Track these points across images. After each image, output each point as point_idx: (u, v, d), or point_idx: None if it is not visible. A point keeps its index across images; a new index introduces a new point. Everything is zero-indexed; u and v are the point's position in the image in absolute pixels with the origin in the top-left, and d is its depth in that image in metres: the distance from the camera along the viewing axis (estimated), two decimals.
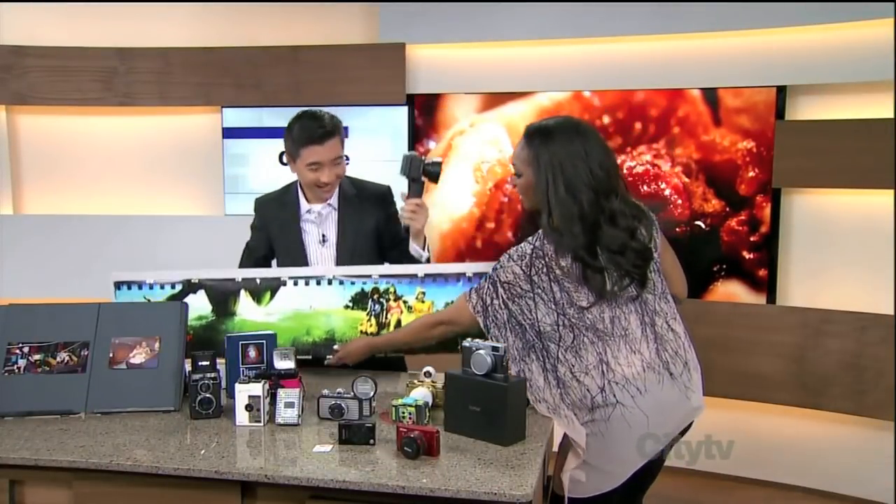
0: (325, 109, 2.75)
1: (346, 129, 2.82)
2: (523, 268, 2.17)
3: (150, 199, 4.63)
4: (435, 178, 2.61)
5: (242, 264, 2.93)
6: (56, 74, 4.43)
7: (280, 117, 4.46)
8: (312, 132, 2.64)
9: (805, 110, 3.81)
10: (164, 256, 4.50)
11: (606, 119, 4.07)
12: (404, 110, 4.32)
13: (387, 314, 2.58)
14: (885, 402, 3.61)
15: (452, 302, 2.49)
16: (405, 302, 2.59)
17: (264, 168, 4.51)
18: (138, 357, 2.42)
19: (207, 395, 2.27)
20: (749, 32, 3.80)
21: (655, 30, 3.91)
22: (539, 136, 2.18)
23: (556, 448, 2.51)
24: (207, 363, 2.31)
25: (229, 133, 4.50)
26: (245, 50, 4.40)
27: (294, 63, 4.38)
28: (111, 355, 2.41)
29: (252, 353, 2.44)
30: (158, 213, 4.59)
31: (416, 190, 2.60)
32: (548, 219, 2.14)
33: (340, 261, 2.76)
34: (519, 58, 4.20)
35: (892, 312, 3.62)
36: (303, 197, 2.80)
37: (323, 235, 2.79)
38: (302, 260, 2.79)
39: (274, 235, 2.86)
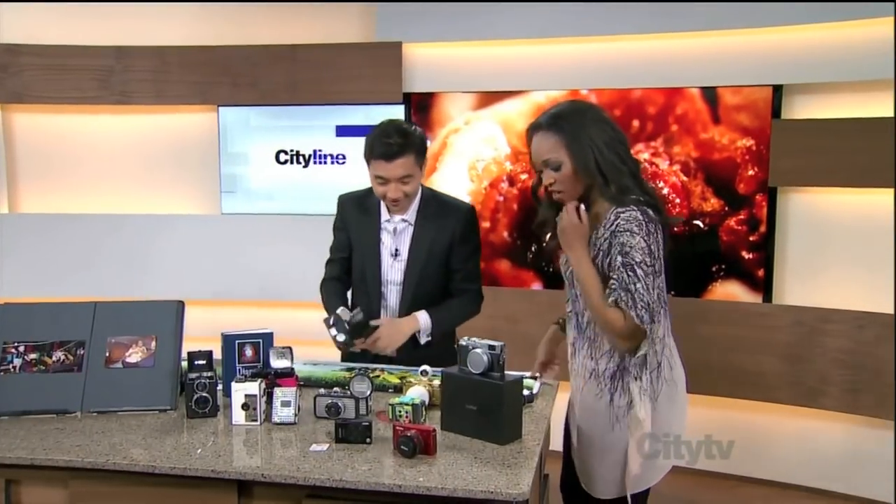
0: (410, 125, 2.68)
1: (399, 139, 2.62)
2: (644, 237, 2.08)
3: (147, 197, 4.63)
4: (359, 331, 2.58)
5: (328, 266, 2.90)
6: (52, 73, 4.43)
7: (277, 116, 4.48)
8: (380, 148, 2.58)
9: (801, 109, 3.81)
10: (161, 255, 4.51)
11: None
12: (401, 109, 4.32)
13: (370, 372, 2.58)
14: (882, 400, 3.62)
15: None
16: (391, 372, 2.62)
17: (261, 167, 4.52)
18: (134, 356, 2.41)
19: (204, 395, 2.27)
20: (745, 31, 3.80)
21: (651, 29, 3.91)
22: (561, 119, 2.17)
23: (553, 447, 2.51)
24: (204, 362, 2.30)
25: (226, 132, 4.50)
26: (242, 49, 4.40)
27: (291, 62, 4.37)
28: (107, 354, 2.40)
29: (248, 352, 2.43)
30: (155, 211, 4.58)
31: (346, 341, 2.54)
32: (605, 187, 2.14)
33: (409, 276, 2.73)
34: (515, 56, 4.20)
35: (888, 311, 3.62)
36: (384, 205, 2.76)
37: (396, 249, 2.75)
38: (375, 270, 2.76)
39: (354, 238, 2.82)
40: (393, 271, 2.76)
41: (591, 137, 2.13)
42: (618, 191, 2.13)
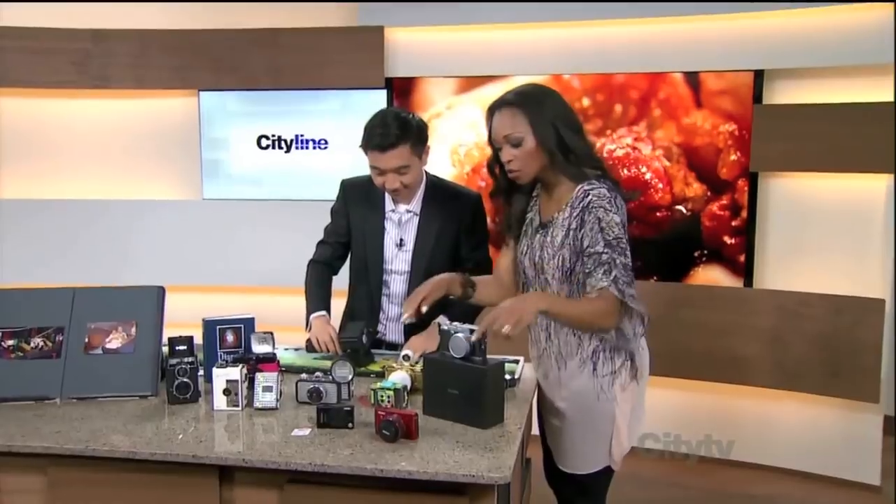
0: (408, 113, 2.63)
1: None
2: (616, 213, 2.11)
3: (127, 183, 4.58)
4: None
5: (320, 247, 2.86)
6: (28, 56, 4.35)
7: (258, 101, 4.44)
8: (375, 139, 2.54)
9: (783, 94, 3.83)
10: (142, 241, 4.47)
11: (586, 101, 4.06)
12: (383, 94, 4.30)
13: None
14: (860, 383, 3.66)
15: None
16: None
17: (242, 152, 4.48)
18: (114, 342, 2.39)
19: (185, 380, 2.25)
20: (727, 16, 3.81)
21: (634, 13, 3.89)
22: (526, 98, 2.20)
23: (535, 432, 2.51)
24: (185, 348, 2.29)
25: (207, 117, 4.46)
26: (223, 32, 4.35)
27: (273, 46, 4.33)
28: (87, 340, 2.38)
29: (230, 337, 2.42)
30: (136, 197, 4.54)
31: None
32: (566, 164, 2.16)
33: (416, 266, 2.71)
34: (498, 41, 4.18)
35: (865, 294, 3.66)
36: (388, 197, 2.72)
37: (401, 239, 2.72)
38: (377, 258, 2.73)
39: (355, 225, 2.77)
40: (397, 261, 2.74)
41: (554, 116, 2.16)
42: (578, 168, 2.17)
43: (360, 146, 2.61)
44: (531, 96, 2.21)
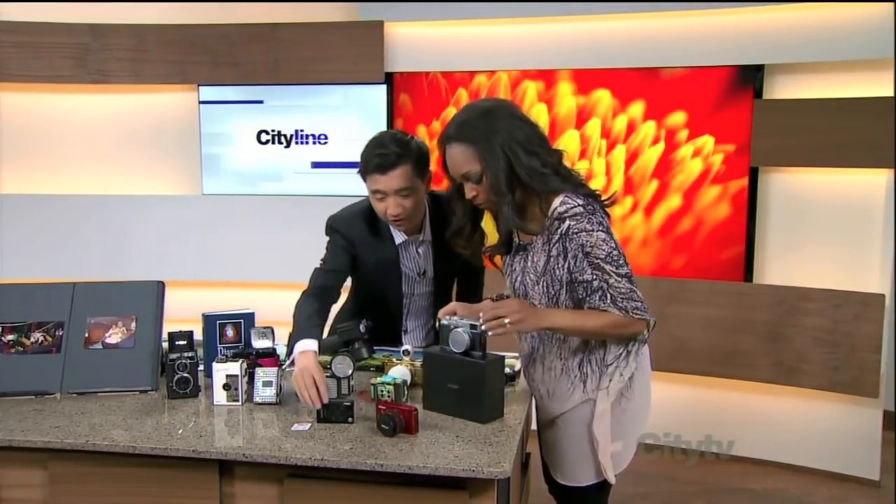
0: (406, 135, 2.49)
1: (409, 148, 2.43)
2: (598, 228, 1.99)
3: (127, 178, 4.57)
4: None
5: (318, 275, 2.55)
6: (26, 51, 4.35)
7: (258, 95, 4.43)
8: (374, 160, 2.39)
9: (782, 89, 3.82)
10: (142, 236, 4.47)
11: (585, 97, 4.06)
12: (383, 88, 4.29)
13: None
14: (859, 378, 3.66)
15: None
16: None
17: (242, 147, 4.48)
18: (114, 337, 2.40)
19: (185, 375, 2.26)
20: (726, 11, 3.80)
21: (633, 8, 3.89)
22: (469, 127, 2.03)
23: (535, 427, 2.51)
24: (185, 343, 2.29)
25: (206, 111, 4.45)
26: (222, 27, 4.34)
27: (272, 40, 4.33)
28: (87, 335, 2.39)
29: (230, 332, 2.43)
30: (135, 192, 4.53)
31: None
32: (526, 185, 2.02)
33: (438, 291, 2.66)
34: (499, 36, 4.17)
35: (864, 289, 3.66)
36: (395, 229, 2.55)
37: (424, 271, 2.63)
38: (397, 292, 2.63)
39: (367, 261, 2.58)
40: (419, 286, 2.66)
41: (505, 141, 2.00)
42: (543, 185, 2.02)
43: (360, 173, 2.47)
44: (476, 124, 2.02)
